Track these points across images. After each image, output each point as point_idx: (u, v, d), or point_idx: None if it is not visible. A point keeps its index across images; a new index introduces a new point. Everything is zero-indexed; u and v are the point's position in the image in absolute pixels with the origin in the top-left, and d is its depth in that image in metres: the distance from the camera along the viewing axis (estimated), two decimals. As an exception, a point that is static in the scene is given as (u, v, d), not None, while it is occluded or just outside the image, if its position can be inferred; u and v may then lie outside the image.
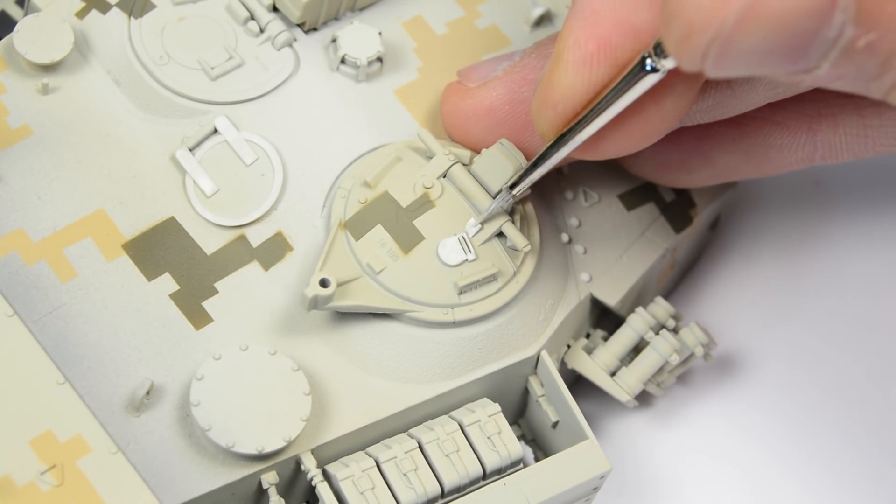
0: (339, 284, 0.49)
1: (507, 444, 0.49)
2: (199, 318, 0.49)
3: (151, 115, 0.52)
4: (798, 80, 0.41)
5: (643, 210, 0.56)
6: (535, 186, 0.50)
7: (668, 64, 0.43)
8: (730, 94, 0.49)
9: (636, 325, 0.54)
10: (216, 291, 0.50)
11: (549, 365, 0.52)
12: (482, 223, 0.51)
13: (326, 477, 0.48)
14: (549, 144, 0.48)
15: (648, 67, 0.43)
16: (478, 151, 0.52)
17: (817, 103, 0.52)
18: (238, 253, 0.51)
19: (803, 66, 0.40)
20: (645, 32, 0.45)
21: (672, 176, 0.55)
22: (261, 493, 0.48)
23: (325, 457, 0.49)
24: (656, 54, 0.43)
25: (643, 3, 0.45)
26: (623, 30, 0.45)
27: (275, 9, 0.54)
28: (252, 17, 0.53)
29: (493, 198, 0.51)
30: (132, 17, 0.53)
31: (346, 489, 0.48)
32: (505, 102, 0.51)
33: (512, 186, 0.50)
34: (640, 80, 0.44)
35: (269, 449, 0.47)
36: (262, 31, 0.53)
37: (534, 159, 0.49)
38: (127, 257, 0.50)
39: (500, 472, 0.50)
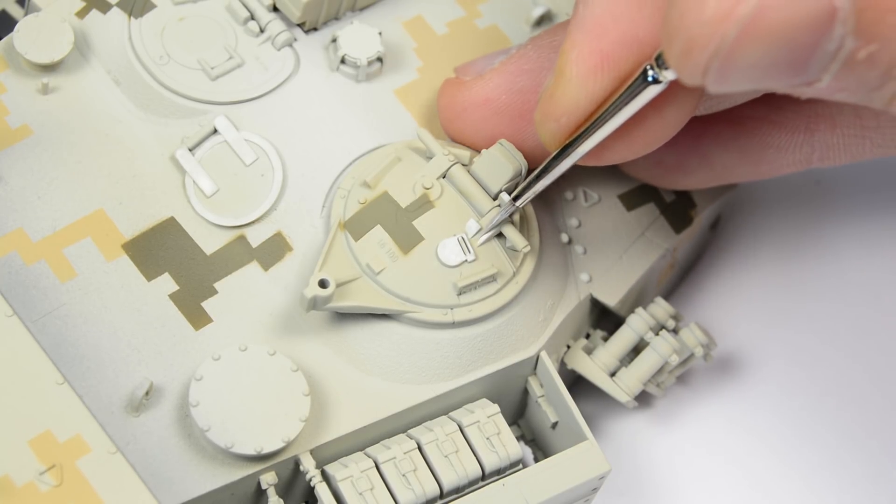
0: (339, 285, 0.49)
1: (506, 444, 0.49)
2: (198, 318, 0.49)
3: (151, 115, 0.52)
4: (800, 92, 0.41)
5: (643, 210, 0.56)
6: (535, 186, 0.51)
7: (669, 75, 0.43)
8: None
9: (636, 325, 0.54)
10: (216, 292, 0.50)
11: (549, 365, 0.52)
12: (486, 233, 0.50)
13: (325, 477, 0.48)
14: (552, 156, 0.48)
15: (650, 79, 0.43)
16: (474, 145, 0.52)
17: (815, 103, 0.52)
18: (238, 253, 0.51)
19: (805, 80, 0.40)
20: (648, 44, 0.44)
21: (669, 177, 0.55)
22: (260, 494, 0.48)
23: (324, 457, 0.49)
24: (658, 65, 0.43)
25: (646, 14, 0.44)
26: (626, 42, 0.45)
27: (275, 9, 0.54)
28: (252, 17, 0.53)
29: (493, 198, 0.51)
30: (132, 17, 0.53)
31: (345, 490, 0.48)
32: (502, 92, 0.51)
33: (516, 197, 0.50)
34: (642, 92, 0.44)
35: (268, 449, 0.47)
36: (262, 31, 0.53)
37: (537, 171, 0.49)
38: (126, 257, 0.50)
39: (500, 472, 0.50)
